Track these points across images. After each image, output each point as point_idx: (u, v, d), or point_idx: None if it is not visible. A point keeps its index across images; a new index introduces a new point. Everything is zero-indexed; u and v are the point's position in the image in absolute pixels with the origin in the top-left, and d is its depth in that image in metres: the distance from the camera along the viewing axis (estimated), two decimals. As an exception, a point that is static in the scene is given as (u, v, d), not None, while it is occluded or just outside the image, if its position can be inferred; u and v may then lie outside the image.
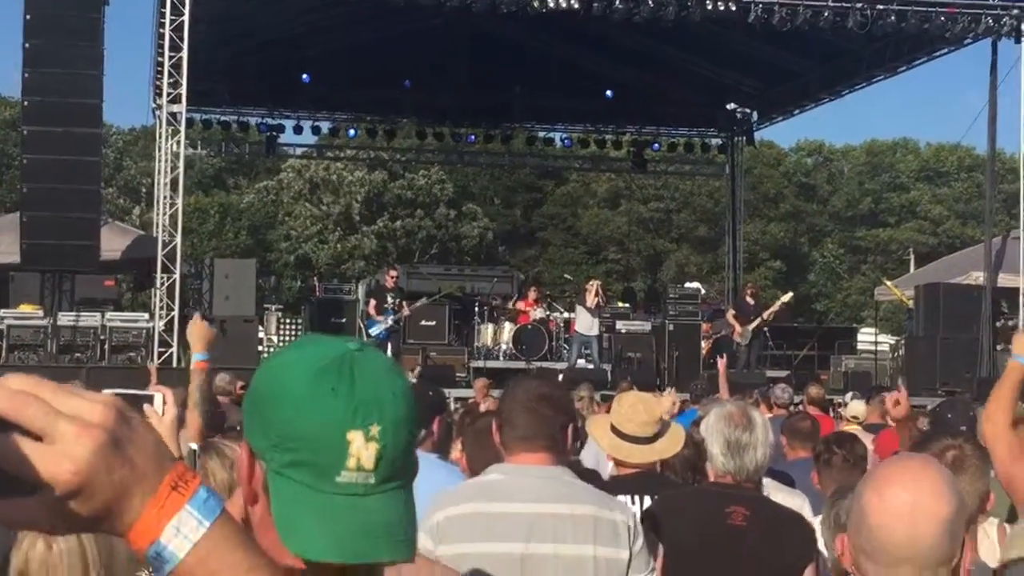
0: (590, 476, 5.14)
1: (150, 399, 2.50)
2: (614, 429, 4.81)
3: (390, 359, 1.56)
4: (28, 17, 19.18)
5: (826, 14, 20.42)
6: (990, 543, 3.91)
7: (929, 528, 2.09)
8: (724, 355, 14.92)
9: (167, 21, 19.97)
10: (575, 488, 3.63)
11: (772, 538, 4.12)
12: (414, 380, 16.52)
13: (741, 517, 4.13)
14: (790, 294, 24.93)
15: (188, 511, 1.20)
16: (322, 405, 1.43)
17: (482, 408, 9.59)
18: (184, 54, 19.90)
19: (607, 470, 5.52)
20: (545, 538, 3.46)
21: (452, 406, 15.41)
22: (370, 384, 1.46)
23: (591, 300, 21.75)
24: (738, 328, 21.69)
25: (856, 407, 11.06)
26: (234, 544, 1.22)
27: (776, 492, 5.12)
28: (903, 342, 26.19)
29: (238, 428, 6.00)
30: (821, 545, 4.03)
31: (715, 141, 31.68)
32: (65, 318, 19.91)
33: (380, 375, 1.48)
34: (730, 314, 22.53)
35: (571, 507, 3.53)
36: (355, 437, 1.42)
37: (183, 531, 1.19)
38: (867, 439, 7.27)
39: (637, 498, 4.68)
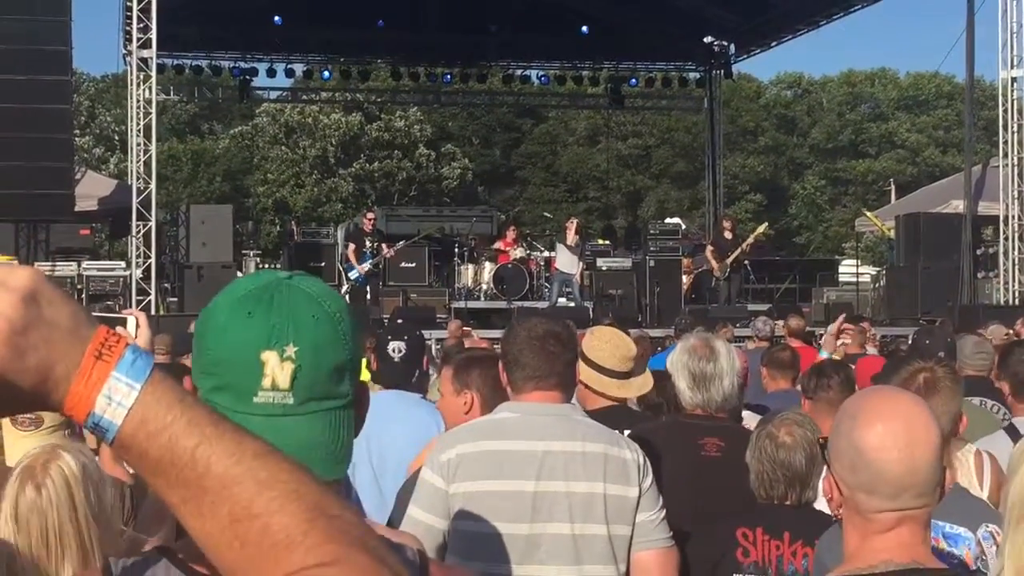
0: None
1: (123, 322, 2.46)
2: (587, 360, 4.73)
3: (324, 286, 1.58)
4: (-9, -37, 18.89)
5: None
6: (966, 469, 3.92)
7: (925, 455, 2.17)
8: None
9: (134, -36, 19.69)
10: (586, 425, 3.66)
11: (746, 468, 4.08)
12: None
13: (715, 448, 4.12)
14: (765, 224, 24.89)
15: (116, 377, 1.14)
16: (238, 328, 1.51)
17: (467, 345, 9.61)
18: (153, -2, 19.65)
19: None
20: (556, 475, 3.49)
21: (433, 348, 15.37)
22: (287, 308, 1.51)
23: (571, 238, 21.67)
24: (716, 264, 21.65)
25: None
26: (169, 401, 1.15)
27: (753, 424, 5.08)
28: (884, 273, 26.23)
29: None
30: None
31: (693, 75, 31.48)
32: (40, 268, 19.66)
33: (302, 300, 1.53)
34: (709, 251, 22.43)
35: (582, 444, 3.55)
36: (269, 357, 1.49)
37: (115, 399, 1.13)
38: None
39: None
